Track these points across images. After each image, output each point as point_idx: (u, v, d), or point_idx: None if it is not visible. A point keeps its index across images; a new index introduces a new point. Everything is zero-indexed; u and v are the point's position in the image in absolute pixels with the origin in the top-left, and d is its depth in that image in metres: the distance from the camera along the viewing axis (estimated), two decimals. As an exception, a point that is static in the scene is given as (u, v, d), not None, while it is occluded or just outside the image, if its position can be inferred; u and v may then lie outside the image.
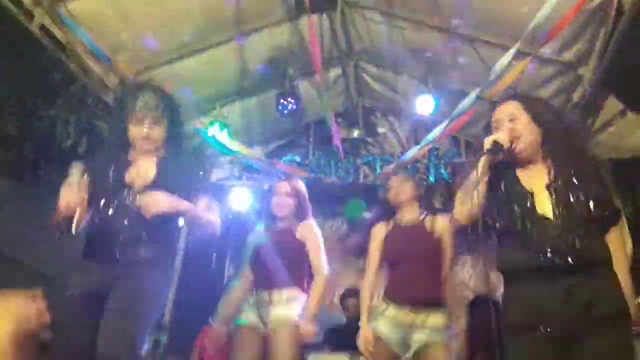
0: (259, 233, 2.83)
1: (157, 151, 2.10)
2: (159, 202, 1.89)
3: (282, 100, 4.35)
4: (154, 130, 2.05)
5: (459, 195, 1.94)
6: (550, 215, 1.76)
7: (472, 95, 3.53)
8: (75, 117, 3.92)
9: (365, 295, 2.67)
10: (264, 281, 2.64)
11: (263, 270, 2.66)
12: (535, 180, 1.86)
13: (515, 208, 1.82)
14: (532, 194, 1.83)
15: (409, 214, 2.73)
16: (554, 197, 1.79)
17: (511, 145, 1.85)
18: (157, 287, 1.96)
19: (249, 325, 2.59)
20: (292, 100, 4.34)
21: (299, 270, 2.68)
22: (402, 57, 4.44)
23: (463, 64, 4.07)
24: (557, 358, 1.69)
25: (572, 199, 1.76)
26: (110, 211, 1.94)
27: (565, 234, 1.71)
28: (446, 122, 3.89)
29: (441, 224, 2.64)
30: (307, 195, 2.88)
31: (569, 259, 1.68)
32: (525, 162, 1.90)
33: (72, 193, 1.86)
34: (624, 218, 1.87)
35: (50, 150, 4.14)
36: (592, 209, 1.74)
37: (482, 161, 1.85)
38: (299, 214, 2.79)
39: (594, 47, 3.18)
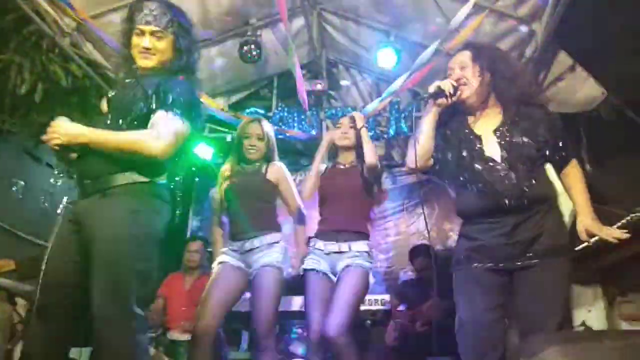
0: (227, 179, 2.82)
1: (158, 70, 1.93)
2: (54, 134, 1.71)
3: (244, 48, 4.31)
4: (157, 43, 1.90)
5: (409, 142, 2.05)
6: (497, 157, 1.87)
7: (431, 48, 3.61)
8: (29, 61, 3.80)
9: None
10: (242, 226, 2.69)
11: (239, 216, 2.72)
12: (485, 125, 1.96)
13: (464, 152, 1.93)
14: (480, 138, 1.93)
15: (345, 158, 2.89)
16: (500, 140, 1.89)
17: (455, 91, 1.93)
18: (134, 222, 1.75)
19: (230, 263, 2.65)
20: (255, 49, 4.31)
21: (273, 211, 2.79)
22: (365, 9, 4.45)
23: (425, 17, 4.11)
24: (501, 286, 1.85)
25: (517, 141, 1.87)
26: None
27: (511, 175, 1.83)
28: (406, 74, 3.96)
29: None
30: (274, 139, 2.95)
31: (514, 199, 1.81)
32: (475, 109, 2.00)
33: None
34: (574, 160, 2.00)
35: (3, 97, 4.02)
36: (535, 151, 1.86)
37: (428, 109, 1.97)
38: (268, 156, 2.86)
39: (547, 2, 3.28)
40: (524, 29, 3.62)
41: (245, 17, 4.38)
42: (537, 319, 1.77)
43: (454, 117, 2.03)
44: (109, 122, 1.85)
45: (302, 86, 4.42)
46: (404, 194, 5.63)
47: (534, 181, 1.83)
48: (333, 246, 2.68)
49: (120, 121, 1.83)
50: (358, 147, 2.83)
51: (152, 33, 1.89)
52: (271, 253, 2.61)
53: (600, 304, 4.54)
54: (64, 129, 1.73)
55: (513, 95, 1.95)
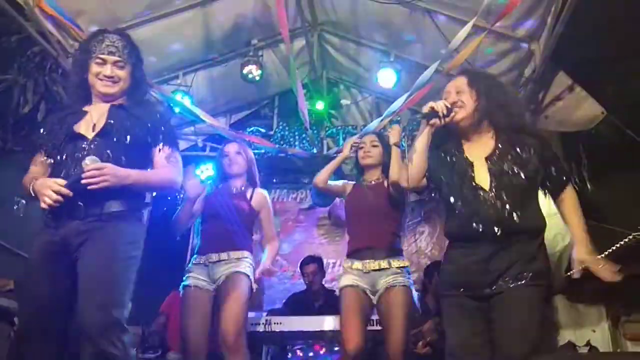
0: (211, 195, 2.88)
1: (116, 98, 2.06)
2: (105, 176, 1.81)
3: (246, 68, 4.35)
4: (119, 72, 2.03)
5: (404, 161, 2.08)
6: (486, 185, 1.88)
7: (431, 68, 3.64)
8: (33, 82, 3.84)
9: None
10: (215, 243, 2.72)
11: (215, 233, 2.74)
12: (478, 151, 1.99)
13: (456, 177, 1.95)
14: (472, 164, 1.95)
15: (371, 176, 2.90)
16: (491, 167, 1.91)
17: (449, 113, 1.96)
18: (128, 243, 1.90)
19: (197, 286, 2.65)
20: (257, 69, 4.35)
21: (248, 234, 2.82)
22: (365, 30, 4.51)
23: (425, 38, 4.17)
24: (480, 312, 1.85)
25: (507, 170, 1.88)
26: (69, 166, 1.91)
27: (497, 204, 1.84)
28: (406, 95, 3.99)
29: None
30: (254, 161, 3.01)
31: (495, 228, 1.81)
32: (469, 133, 2.02)
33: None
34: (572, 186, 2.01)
35: (7, 116, 4.05)
36: (527, 180, 1.87)
37: (421, 129, 2.00)
38: (250, 178, 2.92)
39: (545, 23, 3.32)
40: (522, 49, 3.66)
41: (247, 38, 4.44)
42: (505, 345, 1.76)
43: (449, 140, 2.07)
44: (94, 143, 1.94)
45: (304, 105, 4.45)
46: (405, 213, 5.62)
47: (519, 212, 1.83)
48: (372, 264, 2.63)
49: (114, 143, 1.95)
50: (383, 164, 2.86)
51: (115, 62, 2.03)
52: (239, 264, 2.65)
53: (605, 324, 4.49)
54: (114, 172, 1.84)
55: (506, 123, 1.98)
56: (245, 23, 4.26)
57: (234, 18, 4.18)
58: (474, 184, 1.91)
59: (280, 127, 5.17)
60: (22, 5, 3.15)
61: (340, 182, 3.01)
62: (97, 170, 1.81)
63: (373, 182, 2.87)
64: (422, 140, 2.00)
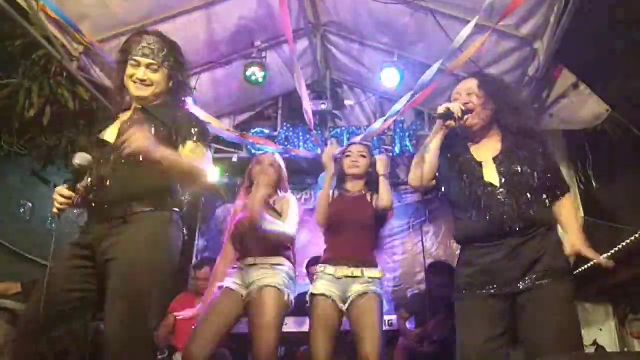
0: (239, 205, 2.84)
1: (151, 101, 1.98)
2: (137, 139, 1.69)
3: (249, 70, 4.36)
4: (152, 75, 1.95)
5: (414, 160, 2.06)
6: (496, 182, 1.90)
7: (433, 68, 3.63)
8: (37, 85, 3.86)
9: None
10: (250, 249, 2.67)
11: (249, 239, 2.68)
12: (485, 152, 2.00)
13: (465, 177, 1.95)
14: (480, 164, 1.97)
15: (353, 187, 2.87)
16: (499, 167, 1.93)
17: (462, 117, 1.97)
18: (157, 247, 1.81)
19: (228, 287, 2.62)
20: (260, 70, 4.36)
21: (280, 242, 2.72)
22: (368, 30, 4.51)
23: (428, 38, 4.16)
24: (503, 313, 1.83)
25: (516, 169, 1.90)
26: (94, 171, 1.88)
27: (510, 200, 1.85)
28: (409, 94, 3.99)
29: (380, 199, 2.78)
30: (285, 174, 2.98)
31: (512, 222, 1.82)
32: (477, 136, 2.04)
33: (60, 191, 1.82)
34: (572, 191, 2.02)
35: (12, 119, 4.08)
36: (535, 180, 1.89)
37: (435, 126, 2.01)
38: (280, 187, 2.88)
39: (549, 21, 3.31)
40: (526, 47, 3.65)
41: (250, 39, 4.45)
42: (545, 342, 1.72)
43: (455, 142, 2.07)
44: (118, 149, 1.82)
45: (309, 106, 4.45)
46: (410, 212, 5.62)
47: (532, 206, 1.85)
48: (345, 270, 2.62)
49: None
50: (367, 175, 2.84)
51: (148, 65, 1.95)
52: (274, 274, 2.58)
53: (611, 322, 4.48)
54: (143, 135, 1.72)
55: (514, 126, 1.99)
56: (248, 24, 4.27)
57: (237, 19, 4.18)
58: (484, 182, 1.92)
59: (284, 128, 5.17)
60: (26, 9, 3.17)
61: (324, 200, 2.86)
62: (130, 134, 1.70)
63: (356, 194, 2.84)
64: (436, 140, 2.00)
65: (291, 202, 2.82)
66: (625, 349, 4.22)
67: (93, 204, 1.86)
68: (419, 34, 4.19)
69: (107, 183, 1.83)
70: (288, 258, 2.72)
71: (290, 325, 3.47)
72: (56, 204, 1.80)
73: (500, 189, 1.88)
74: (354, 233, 2.70)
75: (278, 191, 2.87)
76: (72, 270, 1.81)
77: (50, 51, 3.53)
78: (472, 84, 2.06)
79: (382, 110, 5.25)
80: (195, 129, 1.93)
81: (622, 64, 3.50)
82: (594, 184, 3.89)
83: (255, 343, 2.42)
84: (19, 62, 3.98)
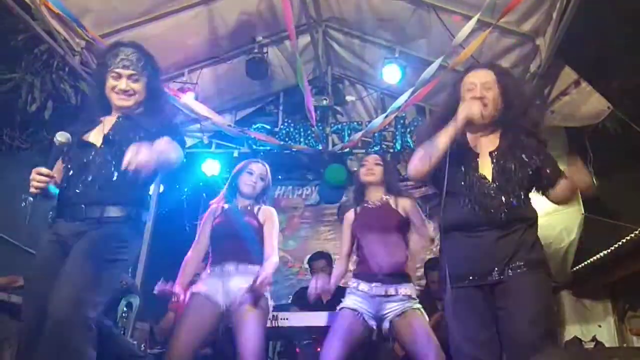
0: (224, 207, 2.84)
1: (133, 109, 2.08)
2: (140, 154, 1.78)
3: (251, 66, 4.36)
4: (134, 85, 2.05)
5: (419, 153, 2.02)
6: (489, 176, 1.92)
7: (435, 63, 3.63)
8: (40, 80, 3.86)
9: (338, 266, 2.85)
10: (230, 253, 2.63)
11: (230, 243, 2.65)
12: (484, 145, 2.01)
13: (462, 167, 1.96)
14: (477, 156, 1.98)
15: (374, 196, 2.86)
16: (494, 161, 1.94)
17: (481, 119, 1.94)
18: (116, 244, 1.91)
19: (206, 294, 2.55)
20: (262, 66, 4.36)
21: (259, 248, 2.69)
22: (370, 26, 4.51)
23: (429, 33, 4.16)
24: (487, 303, 1.84)
25: (510, 167, 1.91)
26: (71, 172, 1.96)
27: (499, 195, 1.87)
28: (410, 91, 3.99)
29: (403, 202, 2.80)
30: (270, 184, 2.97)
31: (500, 216, 1.84)
32: (479, 130, 2.03)
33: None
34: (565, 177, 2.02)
35: (14, 114, 4.08)
36: (526, 179, 1.90)
37: (452, 130, 1.93)
38: (261, 197, 2.87)
39: (551, 18, 3.31)
40: (528, 44, 3.65)
41: (252, 35, 4.45)
42: (517, 331, 1.74)
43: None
44: (101, 152, 1.97)
45: (311, 102, 4.45)
46: (410, 209, 5.62)
47: (519, 202, 1.88)
48: (379, 289, 2.60)
49: (119, 153, 1.91)
50: (386, 183, 2.85)
51: (129, 76, 2.05)
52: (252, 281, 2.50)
53: (611, 319, 4.50)
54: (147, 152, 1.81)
55: (516, 125, 1.99)
56: (249, 20, 4.27)
57: (239, 15, 4.18)
58: (477, 174, 1.94)
59: (286, 124, 5.17)
60: (29, 4, 3.17)
61: (346, 225, 2.89)
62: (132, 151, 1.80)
63: (379, 203, 2.83)
64: (446, 141, 1.93)
65: (275, 222, 2.78)
66: (625, 345, 4.24)
67: (72, 203, 1.93)
68: (420, 30, 4.19)
69: (89, 185, 1.92)
70: (261, 263, 2.65)
71: (290, 320, 3.48)
72: (34, 183, 1.87)
73: (492, 184, 1.90)
74: (385, 242, 2.68)
75: (261, 201, 2.85)
76: (58, 265, 1.85)
77: (52, 46, 3.53)
78: (489, 77, 2.01)
79: (383, 106, 5.25)
80: (170, 129, 2.06)
81: (623, 61, 3.51)
82: (594, 181, 3.89)
83: (242, 356, 2.38)
84: (21, 56, 3.98)
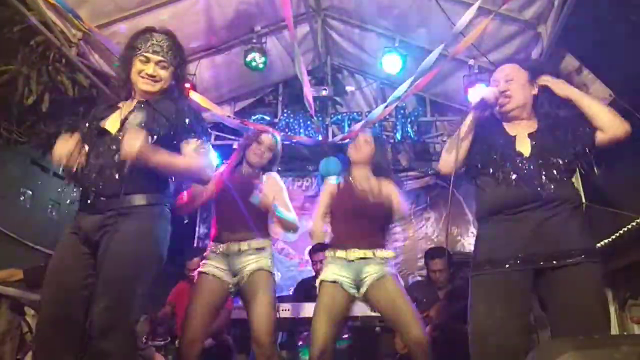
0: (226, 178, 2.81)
1: (155, 96, 2.03)
2: (132, 144, 1.76)
3: (249, 56, 4.33)
4: (162, 72, 2.01)
5: (445, 147, 2.03)
6: (527, 153, 1.89)
7: (435, 52, 3.60)
8: (36, 72, 3.83)
9: (316, 227, 2.74)
10: (232, 230, 2.65)
11: (230, 218, 2.66)
12: (521, 129, 1.98)
13: (497, 149, 1.94)
14: (514, 138, 1.96)
15: (359, 175, 2.79)
16: (532, 141, 1.92)
17: (497, 103, 1.96)
18: (148, 241, 1.86)
19: (214, 275, 2.59)
20: (260, 56, 4.33)
21: (264, 218, 2.72)
22: (370, 14, 4.46)
23: (430, 22, 4.12)
24: (526, 290, 1.77)
25: (549, 145, 1.89)
26: (91, 159, 1.91)
27: (537, 170, 1.83)
28: (410, 80, 3.95)
29: (387, 187, 2.70)
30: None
31: (542, 192, 1.79)
32: (515, 118, 2.02)
33: (62, 144, 1.87)
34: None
35: (11, 107, 4.05)
36: (565, 160, 1.87)
37: (469, 117, 1.96)
38: (267, 168, 2.85)
39: (552, 5, 3.27)
40: (529, 31, 3.61)
41: (250, 25, 4.40)
42: (577, 327, 1.66)
43: (490, 122, 2.04)
44: (118, 138, 1.89)
45: (309, 92, 4.42)
46: (411, 199, 5.62)
47: (557, 182, 1.82)
48: (357, 252, 2.59)
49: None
50: (374, 165, 2.79)
51: (158, 62, 2.01)
52: (260, 258, 2.58)
53: (611, 307, 4.50)
54: (142, 137, 1.79)
55: (553, 112, 1.97)
56: (248, 10, 4.22)
57: (237, 5, 4.14)
58: (514, 151, 1.91)
59: (285, 115, 5.14)
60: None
61: (325, 194, 2.81)
62: (127, 138, 1.79)
63: (364, 184, 2.75)
64: (469, 127, 1.96)
65: (282, 186, 2.83)
66: (625, 334, 4.24)
67: (91, 195, 1.88)
68: (420, 19, 4.15)
69: (107, 174, 1.87)
70: (268, 236, 2.70)
71: (291, 311, 3.48)
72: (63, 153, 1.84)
73: (530, 158, 1.87)
74: (363, 221, 2.66)
75: (267, 173, 2.84)
76: (80, 257, 1.85)
77: (49, 37, 3.49)
78: (510, 69, 2.03)
79: (383, 96, 5.22)
80: (198, 127, 2.02)
81: (626, 48, 3.47)
82: (595, 169, 3.88)
83: (255, 326, 2.44)
84: (17, 48, 3.94)
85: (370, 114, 4.66)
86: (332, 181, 2.85)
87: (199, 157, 1.96)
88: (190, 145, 1.97)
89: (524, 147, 1.91)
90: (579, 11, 3.03)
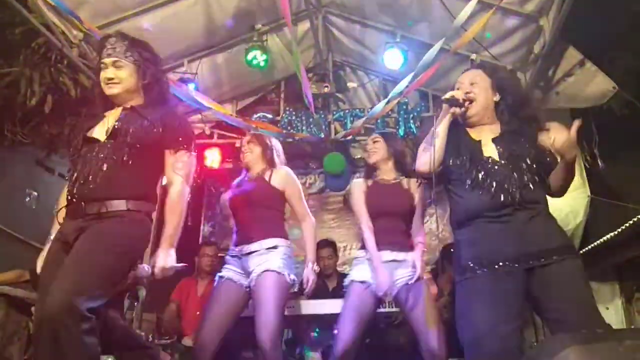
0: (234, 188, 2.90)
1: (126, 99, 2.07)
2: (167, 263, 1.93)
3: (251, 54, 4.32)
4: (118, 72, 2.03)
5: (421, 146, 2.04)
6: (496, 157, 1.92)
7: (436, 47, 3.58)
8: (38, 73, 3.84)
9: (370, 241, 2.71)
10: (245, 233, 2.69)
11: (244, 224, 2.72)
12: (485, 134, 2.02)
13: (466, 156, 1.96)
14: (480, 143, 1.99)
15: (385, 174, 2.88)
16: (498, 146, 1.95)
17: (464, 104, 2.00)
18: (122, 239, 1.89)
19: (230, 278, 2.65)
20: (262, 54, 4.32)
21: (276, 217, 2.76)
22: (371, 10, 4.45)
23: (431, 17, 4.10)
24: (515, 291, 1.77)
25: (515, 149, 1.92)
26: (76, 169, 1.96)
27: (510, 172, 1.86)
28: (411, 75, 3.93)
29: (414, 184, 2.84)
30: (277, 146, 2.95)
31: (514, 193, 1.82)
32: (477, 123, 2.05)
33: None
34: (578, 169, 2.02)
35: (14, 108, 4.06)
36: (531, 163, 1.89)
37: (442, 111, 2.02)
38: (269, 161, 2.85)
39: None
40: (531, 25, 3.59)
41: (251, 23, 4.40)
42: (578, 319, 1.68)
43: (455, 128, 2.06)
44: (107, 147, 1.96)
45: (308, 89, 4.41)
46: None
47: (534, 184, 1.87)
48: (389, 255, 2.65)
49: (125, 147, 1.96)
50: (395, 162, 2.87)
51: (113, 63, 2.04)
52: (270, 258, 2.58)
53: (618, 300, 4.48)
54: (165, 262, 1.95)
55: (516, 116, 2.01)
56: (248, 8, 4.21)
57: (237, 3, 4.13)
58: (483, 156, 1.94)
59: (287, 112, 5.12)
60: (25, -3, 3.14)
61: (357, 196, 2.85)
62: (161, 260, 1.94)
63: (392, 182, 2.87)
64: (444, 126, 2.00)
65: (295, 182, 2.86)
66: (632, 327, 4.23)
67: (74, 200, 1.93)
68: (421, 13, 4.12)
69: (91, 180, 1.91)
70: (282, 236, 2.72)
71: (298, 309, 3.49)
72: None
73: (501, 162, 1.90)
74: (393, 222, 2.74)
75: (269, 165, 2.85)
76: (60, 263, 1.85)
77: (50, 39, 3.50)
78: (475, 74, 2.10)
79: (385, 92, 5.19)
80: (183, 136, 2.07)
81: (628, 40, 3.45)
82: (600, 162, 3.86)
83: (257, 332, 2.44)
84: (19, 50, 3.95)
85: (372, 110, 4.64)
86: (358, 182, 2.91)
87: (182, 171, 2.02)
88: (172, 158, 2.03)
89: (492, 152, 1.94)
90: (581, 3, 3.01)
